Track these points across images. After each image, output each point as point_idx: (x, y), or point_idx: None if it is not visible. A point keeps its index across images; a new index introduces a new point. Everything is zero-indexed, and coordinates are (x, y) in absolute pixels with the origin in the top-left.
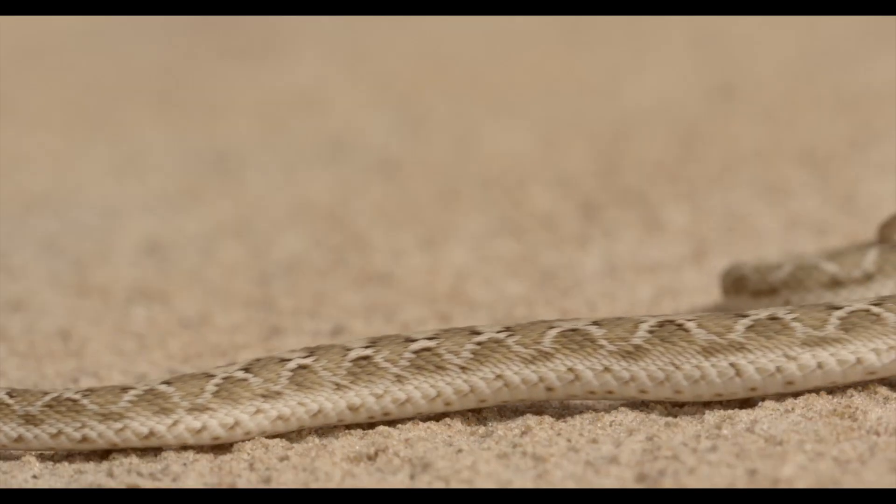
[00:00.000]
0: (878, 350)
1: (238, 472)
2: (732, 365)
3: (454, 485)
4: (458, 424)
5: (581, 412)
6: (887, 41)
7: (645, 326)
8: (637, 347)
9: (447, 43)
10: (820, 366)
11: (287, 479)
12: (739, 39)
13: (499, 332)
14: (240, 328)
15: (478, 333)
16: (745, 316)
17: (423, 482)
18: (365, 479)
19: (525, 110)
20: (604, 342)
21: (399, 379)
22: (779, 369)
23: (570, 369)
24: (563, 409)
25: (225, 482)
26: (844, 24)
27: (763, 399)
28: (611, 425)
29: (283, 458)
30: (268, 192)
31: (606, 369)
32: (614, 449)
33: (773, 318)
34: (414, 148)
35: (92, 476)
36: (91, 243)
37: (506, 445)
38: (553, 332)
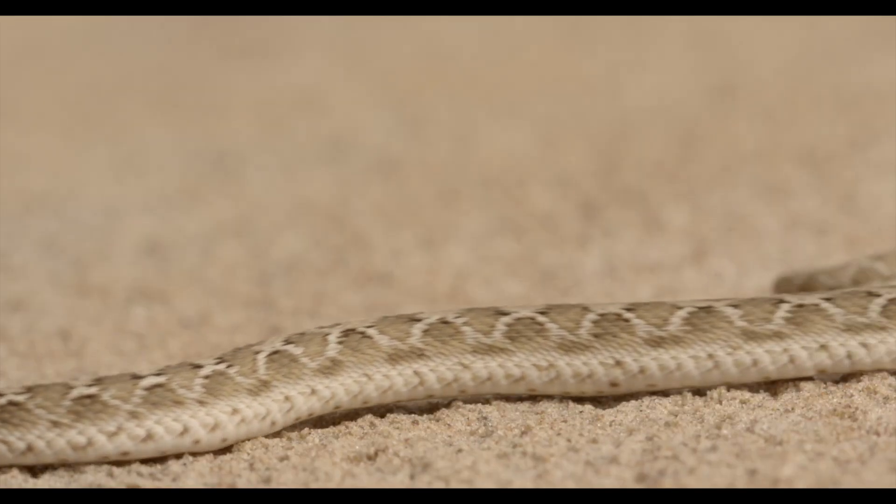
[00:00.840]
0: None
1: (238, 472)
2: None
3: (454, 485)
4: (458, 424)
5: (581, 412)
6: (887, 41)
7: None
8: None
9: (447, 43)
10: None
11: (287, 479)
12: (739, 39)
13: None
14: (240, 328)
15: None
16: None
17: (423, 482)
18: (365, 479)
19: (525, 110)
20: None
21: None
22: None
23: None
24: (563, 409)
25: (225, 482)
26: (844, 24)
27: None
28: (611, 425)
29: (283, 458)
30: (268, 192)
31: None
32: (614, 449)
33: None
34: (414, 148)
35: (92, 476)
36: (91, 243)
37: (506, 445)
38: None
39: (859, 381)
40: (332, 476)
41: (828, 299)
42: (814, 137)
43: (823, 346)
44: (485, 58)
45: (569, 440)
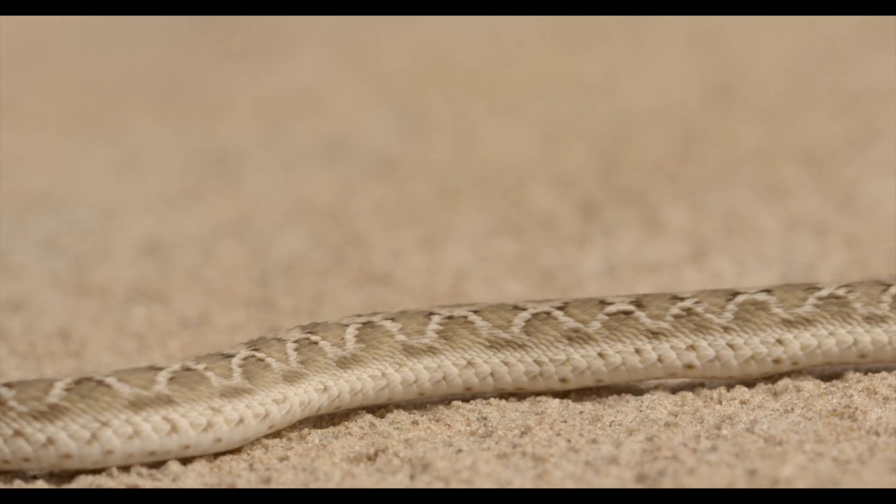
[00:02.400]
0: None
1: (238, 472)
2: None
3: (454, 485)
4: (457, 425)
5: (581, 412)
6: (887, 41)
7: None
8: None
9: (447, 43)
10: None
11: (287, 479)
12: (739, 39)
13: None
14: (240, 328)
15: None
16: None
17: (423, 482)
18: (365, 479)
19: (525, 110)
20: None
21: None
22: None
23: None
24: (562, 410)
25: (225, 482)
26: (844, 24)
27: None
28: (610, 425)
29: (282, 459)
30: (268, 192)
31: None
32: (614, 449)
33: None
34: (414, 148)
35: (91, 476)
36: (91, 243)
37: (505, 445)
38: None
39: (859, 381)
40: (332, 476)
41: (476, 311)
42: (814, 137)
43: (470, 363)
44: (485, 58)
45: (568, 440)
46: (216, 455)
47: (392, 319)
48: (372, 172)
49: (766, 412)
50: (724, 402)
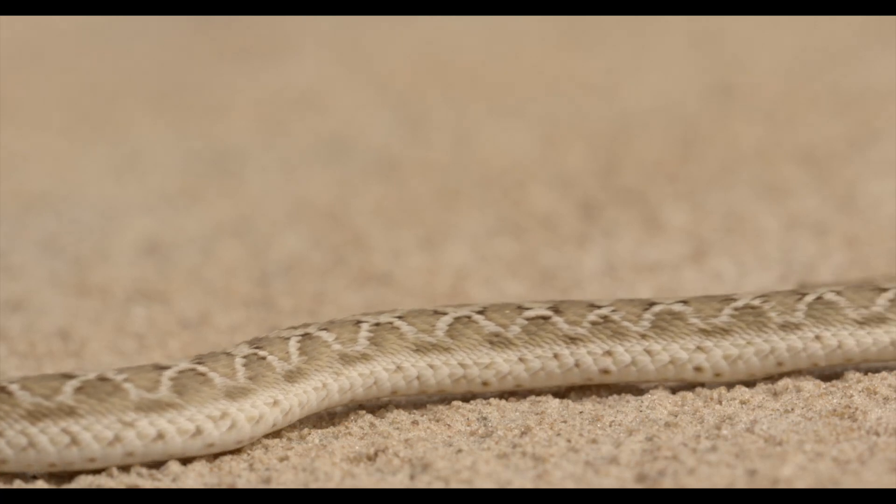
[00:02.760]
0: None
1: (238, 473)
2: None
3: (454, 485)
4: (457, 425)
5: (581, 412)
6: (887, 41)
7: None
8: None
9: (447, 43)
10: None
11: (287, 480)
12: (739, 39)
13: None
14: (239, 328)
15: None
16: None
17: (423, 482)
18: (365, 479)
19: (525, 110)
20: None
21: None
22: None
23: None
24: (562, 410)
25: (225, 482)
26: (844, 24)
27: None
28: (610, 425)
29: (282, 459)
30: (268, 192)
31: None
32: (614, 449)
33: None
34: (414, 148)
35: (91, 476)
36: (91, 243)
37: (505, 445)
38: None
39: (859, 381)
40: (332, 476)
41: (400, 317)
42: (814, 137)
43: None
44: (485, 58)
45: (568, 440)
46: (216, 455)
47: (326, 329)
48: (372, 172)
49: (766, 412)
50: (724, 402)
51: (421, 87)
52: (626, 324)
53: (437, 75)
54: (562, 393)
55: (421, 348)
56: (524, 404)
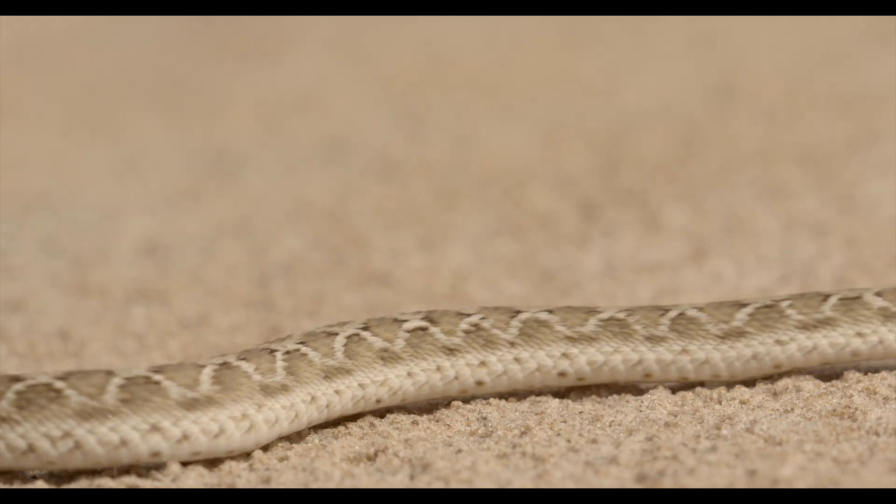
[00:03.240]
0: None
1: (238, 473)
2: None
3: (454, 485)
4: (457, 425)
5: (580, 412)
6: (887, 41)
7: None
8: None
9: (447, 43)
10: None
11: (287, 480)
12: (739, 39)
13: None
14: (239, 328)
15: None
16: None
17: (423, 482)
18: (364, 479)
19: (525, 110)
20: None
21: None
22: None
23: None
24: (562, 410)
25: (224, 482)
26: (844, 24)
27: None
28: (610, 426)
29: (282, 459)
30: (268, 192)
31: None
32: (614, 449)
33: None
34: (414, 148)
35: (91, 476)
36: (90, 243)
37: (505, 446)
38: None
39: (859, 381)
40: (332, 476)
41: (303, 343)
42: (814, 137)
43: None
44: (485, 58)
45: (568, 440)
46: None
47: (245, 360)
48: (372, 172)
49: (766, 412)
50: (723, 402)
51: (421, 87)
52: (495, 331)
53: (437, 75)
54: (562, 393)
55: (329, 374)
56: (524, 404)
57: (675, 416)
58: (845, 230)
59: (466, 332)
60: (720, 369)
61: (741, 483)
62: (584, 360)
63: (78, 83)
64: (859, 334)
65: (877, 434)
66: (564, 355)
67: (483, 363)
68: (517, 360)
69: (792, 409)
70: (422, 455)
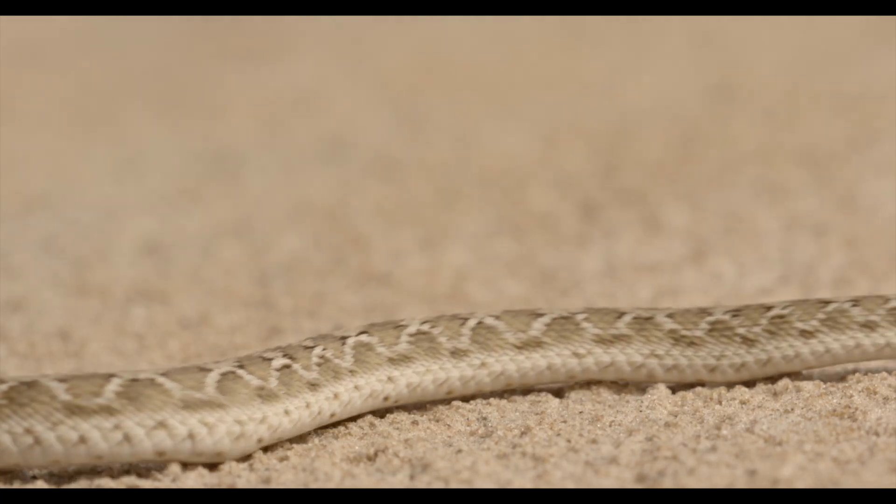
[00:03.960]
0: None
1: (238, 473)
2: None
3: (454, 485)
4: (457, 425)
5: (580, 412)
6: (887, 41)
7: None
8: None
9: (447, 43)
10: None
11: (287, 480)
12: (739, 39)
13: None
14: (239, 328)
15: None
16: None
17: (423, 482)
18: (364, 479)
19: (525, 110)
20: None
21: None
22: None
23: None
24: (562, 410)
25: (225, 482)
26: (844, 24)
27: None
28: (610, 426)
29: (282, 459)
30: (267, 192)
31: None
32: (614, 449)
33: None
34: (414, 148)
35: (91, 476)
36: (90, 243)
37: (505, 446)
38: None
39: (859, 381)
40: (332, 476)
41: (164, 374)
42: (814, 137)
43: (161, 423)
44: (485, 58)
45: (568, 440)
46: None
47: (165, 375)
48: (372, 172)
49: (766, 412)
50: (723, 403)
51: (421, 87)
52: (337, 361)
53: (437, 75)
54: (562, 393)
55: (188, 406)
56: (524, 404)
57: (675, 416)
58: (845, 230)
59: (318, 363)
60: (514, 380)
61: (741, 483)
62: (404, 382)
63: (78, 83)
64: (654, 354)
65: (877, 434)
66: (389, 378)
67: (335, 396)
68: (356, 387)
69: (792, 409)
70: (422, 455)
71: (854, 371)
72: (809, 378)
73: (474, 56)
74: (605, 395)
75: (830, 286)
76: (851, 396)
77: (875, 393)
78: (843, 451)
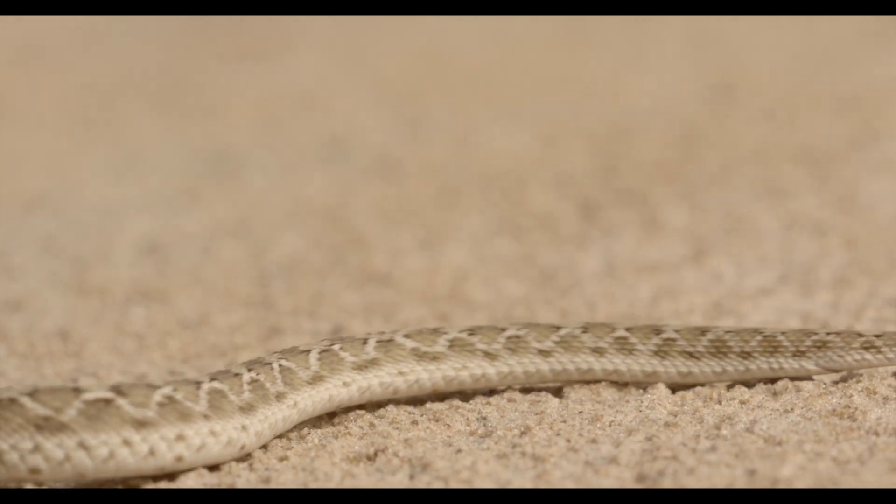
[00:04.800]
0: None
1: (237, 473)
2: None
3: (453, 485)
4: (457, 424)
5: (580, 412)
6: (887, 41)
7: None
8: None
9: (447, 43)
10: None
11: (286, 480)
12: (739, 39)
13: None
14: (239, 328)
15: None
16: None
17: (423, 482)
18: (364, 479)
19: (525, 110)
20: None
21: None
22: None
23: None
24: (562, 410)
25: (224, 482)
26: (844, 24)
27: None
28: (610, 425)
29: (282, 459)
30: (267, 192)
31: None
32: (614, 449)
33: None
34: (414, 148)
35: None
36: (90, 243)
37: (505, 445)
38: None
39: (859, 381)
40: (332, 476)
41: (30, 394)
42: (813, 137)
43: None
44: (485, 58)
45: (568, 440)
46: None
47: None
48: (372, 172)
49: (766, 412)
50: (723, 402)
51: (421, 87)
52: (189, 404)
53: (437, 75)
54: (561, 393)
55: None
56: (524, 404)
57: (675, 416)
58: (845, 230)
59: (160, 404)
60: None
61: (741, 483)
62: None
63: (78, 83)
64: (400, 373)
65: (877, 434)
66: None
67: (181, 436)
68: (212, 433)
69: (792, 409)
70: (422, 455)
71: (854, 371)
72: (809, 378)
73: (474, 56)
74: (605, 394)
75: (830, 286)
76: (851, 396)
77: (875, 393)
78: (843, 451)
